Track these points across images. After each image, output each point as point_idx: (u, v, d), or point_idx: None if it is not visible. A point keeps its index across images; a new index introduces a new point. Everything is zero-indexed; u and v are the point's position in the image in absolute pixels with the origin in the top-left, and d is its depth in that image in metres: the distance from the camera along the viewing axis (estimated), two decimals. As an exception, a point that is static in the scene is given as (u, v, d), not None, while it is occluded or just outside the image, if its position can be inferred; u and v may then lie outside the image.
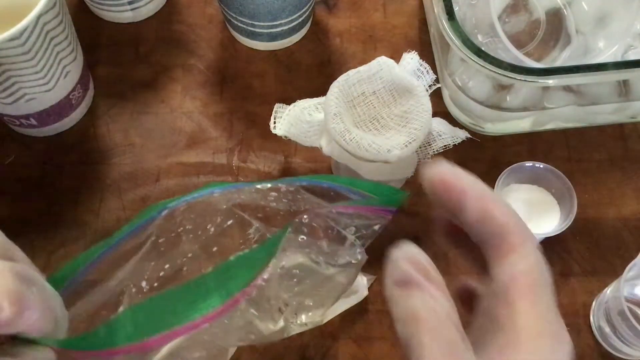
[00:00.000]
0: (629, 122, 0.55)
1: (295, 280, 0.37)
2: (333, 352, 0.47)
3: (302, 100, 0.48)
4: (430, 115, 0.44)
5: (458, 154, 0.53)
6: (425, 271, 0.29)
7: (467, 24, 0.51)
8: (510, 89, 0.50)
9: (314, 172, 0.53)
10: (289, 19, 0.54)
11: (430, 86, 0.46)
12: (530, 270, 0.28)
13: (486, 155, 0.54)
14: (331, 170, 0.53)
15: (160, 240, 0.39)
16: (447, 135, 0.46)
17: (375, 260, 0.44)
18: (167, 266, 0.38)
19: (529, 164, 0.49)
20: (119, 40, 0.59)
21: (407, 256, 0.29)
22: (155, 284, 0.38)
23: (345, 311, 0.48)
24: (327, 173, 0.53)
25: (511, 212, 0.29)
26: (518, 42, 0.51)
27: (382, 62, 0.45)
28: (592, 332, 0.48)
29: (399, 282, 0.28)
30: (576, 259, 0.50)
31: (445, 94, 0.54)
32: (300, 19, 0.55)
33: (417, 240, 0.54)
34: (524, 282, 0.28)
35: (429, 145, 0.46)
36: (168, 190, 0.52)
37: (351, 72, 0.45)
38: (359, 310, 0.48)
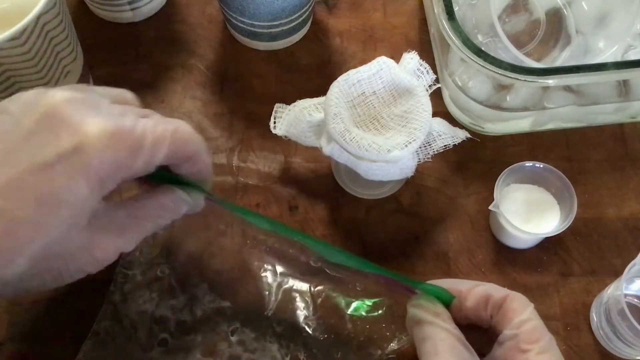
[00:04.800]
0: (629, 122, 0.55)
1: None
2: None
3: (302, 100, 0.48)
4: (430, 115, 0.44)
5: (458, 154, 0.53)
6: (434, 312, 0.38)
7: (467, 24, 0.51)
8: (510, 89, 0.50)
9: (313, 172, 0.53)
10: (289, 19, 0.54)
11: (430, 86, 0.46)
12: (534, 327, 0.36)
13: (486, 155, 0.54)
14: (331, 170, 0.53)
15: None
16: (447, 135, 0.46)
17: (379, 259, 0.45)
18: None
19: (529, 164, 0.49)
20: (119, 40, 0.59)
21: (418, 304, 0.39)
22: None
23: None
24: (327, 173, 0.53)
25: (500, 289, 0.38)
26: (518, 42, 0.51)
27: (382, 62, 0.45)
28: (592, 332, 0.48)
29: (411, 322, 0.38)
30: (576, 259, 0.50)
31: (445, 94, 0.54)
32: (300, 19, 0.55)
33: (417, 240, 0.54)
34: (532, 334, 0.36)
35: (429, 145, 0.46)
36: (168, 190, 0.52)
37: (351, 72, 0.45)
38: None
